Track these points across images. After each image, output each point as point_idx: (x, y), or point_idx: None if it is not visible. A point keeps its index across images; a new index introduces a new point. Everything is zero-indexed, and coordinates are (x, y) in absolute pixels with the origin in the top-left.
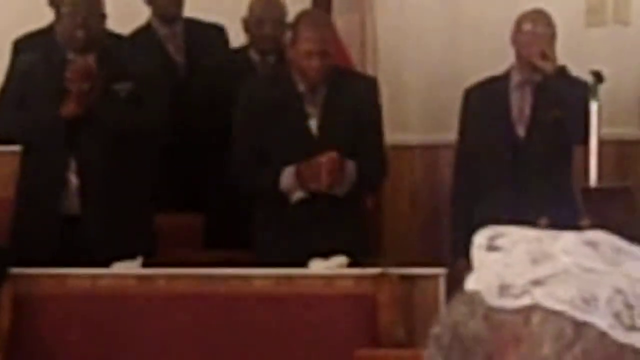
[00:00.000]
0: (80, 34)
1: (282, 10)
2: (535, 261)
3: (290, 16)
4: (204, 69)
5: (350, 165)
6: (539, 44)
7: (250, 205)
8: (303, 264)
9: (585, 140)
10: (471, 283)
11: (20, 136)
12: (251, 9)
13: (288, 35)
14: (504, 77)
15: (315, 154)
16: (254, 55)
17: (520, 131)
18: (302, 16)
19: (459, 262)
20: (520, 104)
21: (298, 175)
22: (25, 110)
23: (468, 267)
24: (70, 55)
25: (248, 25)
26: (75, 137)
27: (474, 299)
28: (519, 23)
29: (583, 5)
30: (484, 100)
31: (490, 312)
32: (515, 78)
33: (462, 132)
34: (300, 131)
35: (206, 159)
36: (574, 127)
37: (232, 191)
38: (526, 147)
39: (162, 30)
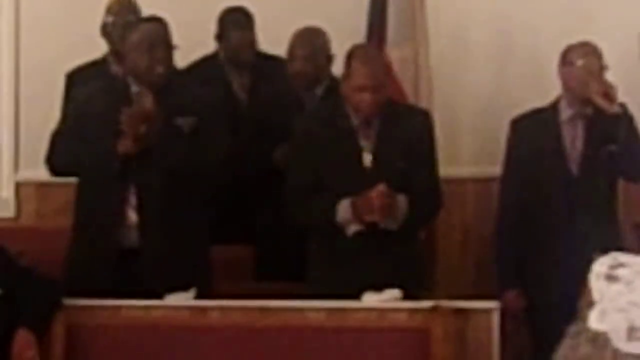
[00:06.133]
0: (160, 69)
1: (313, 45)
2: None
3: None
4: (262, 104)
5: (401, 199)
6: (598, 82)
7: (303, 238)
8: (356, 296)
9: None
10: (595, 320)
11: (77, 170)
12: (289, 44)
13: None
14: (552, 109)
15: (369, 187)
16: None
17: (573, 167)
18: (354, 51)
19: (507, 293)
20: (572, 138)
21: (353, 208)
22: (83, 144)
23: (517, 298)
24: (135, 88)
25: (287, 61)
26: (136, 171)
27: (600, 339)
28: (567, 56)
29: (636, 38)
30: (534, 133)
31: (618, 356)
32: (566, 112)
33: (508, 163)
34: (355, 164)
35: (257, 191)
36: (628, 163)
37: (283, 223)
38: (579, 184)
39: (229, 66)
